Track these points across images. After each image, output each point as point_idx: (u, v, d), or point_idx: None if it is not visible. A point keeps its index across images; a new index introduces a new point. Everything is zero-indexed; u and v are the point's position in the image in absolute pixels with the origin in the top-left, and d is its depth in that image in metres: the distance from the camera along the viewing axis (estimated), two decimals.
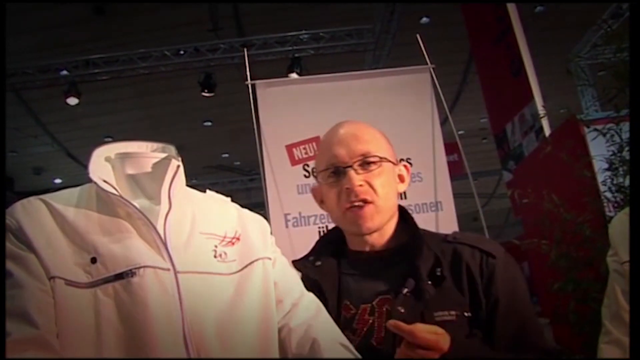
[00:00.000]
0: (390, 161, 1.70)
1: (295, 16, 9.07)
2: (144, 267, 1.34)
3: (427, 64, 4.13)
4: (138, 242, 1.40)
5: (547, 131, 5.38)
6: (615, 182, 3.92)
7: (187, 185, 1.62)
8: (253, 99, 3.90)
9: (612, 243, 1.91)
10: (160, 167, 1.56)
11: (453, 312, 1.53)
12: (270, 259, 1.58)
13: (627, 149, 3.81)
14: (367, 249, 1.70)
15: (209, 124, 12.80)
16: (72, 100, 8.69)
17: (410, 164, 1.77)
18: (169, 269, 1.37)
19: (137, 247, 1.39)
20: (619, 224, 1.91)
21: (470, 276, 1.56)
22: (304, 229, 3.71)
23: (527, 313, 1.59)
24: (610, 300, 1.86)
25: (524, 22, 6.13)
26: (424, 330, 1.36)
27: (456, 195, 4.02)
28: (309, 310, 1.55)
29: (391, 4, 8.39)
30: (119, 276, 1.32)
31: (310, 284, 1.67)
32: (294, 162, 3.87)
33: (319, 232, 3.68)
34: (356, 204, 1.63)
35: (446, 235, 1.70)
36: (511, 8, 6.05)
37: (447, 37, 9.04)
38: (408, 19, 8.77)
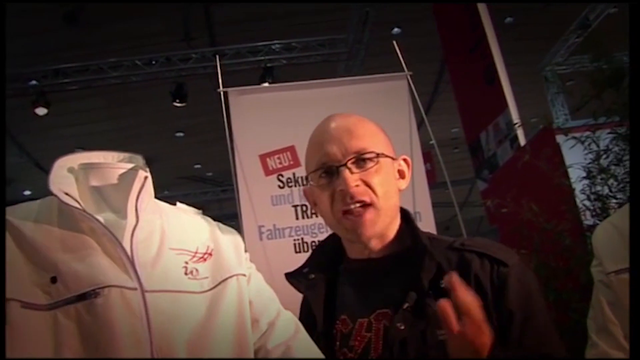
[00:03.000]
0: (388, 156, 1.51)
1: (268, 26, 8.90)
2: (109, 286, 1.23)
3: (403, 71, 4.01)
4: (102, 260, 1.28)
5: (522, 140, 5.30)
6: (593, 190, 3.88)
7: (158, 197, 1.53)
8: (225, 107, 3.74)
9: (596, 253, 1.81)
10: (127, 178, 1.45)
11: None
12: (244, 275, 1.48)
13: (604, 157, 3.79)
14: (366, 255, 1.53)
15: (181, 134, 12.61)
16: (41, 111, 8.46)
17: None
18: (135, 289, 1.26)
19: (102, 265, 1.27)
20: (603, 234, 1.82)
21: (479, 288, 1.36)
22: (278, 242, 3.55)
23: (546, 329, 1.39)
24: (595, 312, 1.77)
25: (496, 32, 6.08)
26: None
27: (435, 205, 3.90)
28: (287, 330, 1.45)
29: (364, 14, 8.27)
30: (82, 297, 1.21)
31: (304, 299, 1.59)
32: (267, 172, 3.71)
33: (294, 245, 3.54)
34: (352, 206, 1.44)
35: (453, 241, 1.50)
36: (484, 16, 5.98)
37: (418, 47, 8.91)
38: (380, 29, 8.67)
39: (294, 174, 3.73)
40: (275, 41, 8.58)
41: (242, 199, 3.63)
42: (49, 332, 1.17)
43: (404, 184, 1.56)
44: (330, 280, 1.57)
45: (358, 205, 1.45)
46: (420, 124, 4.20)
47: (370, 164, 1.45)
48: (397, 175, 1.54)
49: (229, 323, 1.36)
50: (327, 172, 1.48)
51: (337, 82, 4.20)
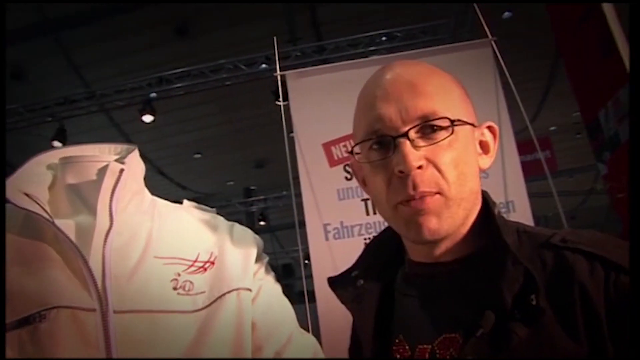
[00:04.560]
0: (467, 123, 1.03)
1: (373, 20, 8.43)
2: (57, 307, 1.01)
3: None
4: (60, 274, 1.05)
5: None
6: None
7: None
8: (283, 92, 3.26)
9: None
10: (104, 173, 1.21)
11: None
12: (249, 290, 1.21)
13: None
14: (433, 258, 1.05)
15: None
16: (147, 118, 8.44)
17: None
18: (93, 309, 1.02)
19: (56, 280, 1.04)
20: None
21: (586, 303, 0.88)
22: (347, 242, 3.05)
23: None
24: None
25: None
26: None
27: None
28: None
29: None
30: (24, 321, 0.99)
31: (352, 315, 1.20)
32: (332, 162, 3.20)
33: (365, 244, 2.98)
34: (413, 194, 0.98)
35: (551, 235, 0.99)
36: None
37: (532, 31, 8.17)
38: (488, 13, 7.96)
39: None
40: (376, 32, 7.99)
41: (305, 194, 3.15)
42: None
43: (487, 161, 1.09)
44: (385, 289, 1.14)
45: (420, 194, 0.98)
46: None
47: (442, 134, 0.99)
48: (479, 150, 1.08)
49: (221, 351, 1.10)
50: (380, 144, 1.02)
51: (411, 55, 3.58)
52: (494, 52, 3.26)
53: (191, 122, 10.74)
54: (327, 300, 2.79)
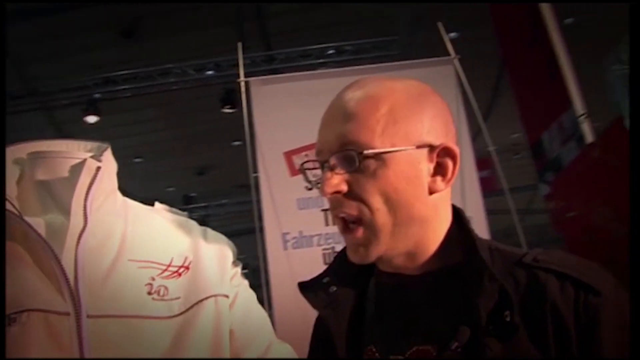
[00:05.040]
0: (404, 148, 0.99)
1: (323, 34, 8.45)
2: (29, 310, 0.96)
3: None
4: (29, 275, 1.01)
5: (589, 137, 4.59)
6: None
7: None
8: (247, 99, 3.23)
9: None
10: (78, 170, 1.15)
11: None
12: (227, 296, 1.18)
13: None
14: (393, 270, 1.07)
15: (239, 143, 12.29)
16: (91, 118, 8.30)
17: None
18: (67, 313, 0.98)
19: (26, 281, 1.00)
20: None
21: (557, 322, 0.91)
22: (305, 251, 3.05)
23: None
24: None
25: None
26: None
27: (489, 212, 3.32)
28: None
29: (415, 16, 7.74)
30: None
31: (319, 320, 1.19)
32: (293, 171, 3.18)
33: (324, 255, 3.02)
34: (342, 216, 1.02)
35: (523, 255, 1.01)
36: (544, 8, 5.28)
37: (476, 53, 8.32)
38: (435, 34, 8.13)
39: None
40: (327, 44, 8.10)
41: (265, 203, 3.12)
42: None
43: (442, 183, 1.03)
44: (358, 297, 1.13)
45: (344, 217, 1.02)
46: (477, 131, 3.65)
47: (364, 163, 0.98)
48: (431, 172, 1.02)
49: (199, 358, 1.07)
50: (321, 165, 1.05)
51: (374, 69, 3.62)
52: (456, 70, 3.32)
53: (134, 125, 10.54)
54: (284, 308, 2.78)
